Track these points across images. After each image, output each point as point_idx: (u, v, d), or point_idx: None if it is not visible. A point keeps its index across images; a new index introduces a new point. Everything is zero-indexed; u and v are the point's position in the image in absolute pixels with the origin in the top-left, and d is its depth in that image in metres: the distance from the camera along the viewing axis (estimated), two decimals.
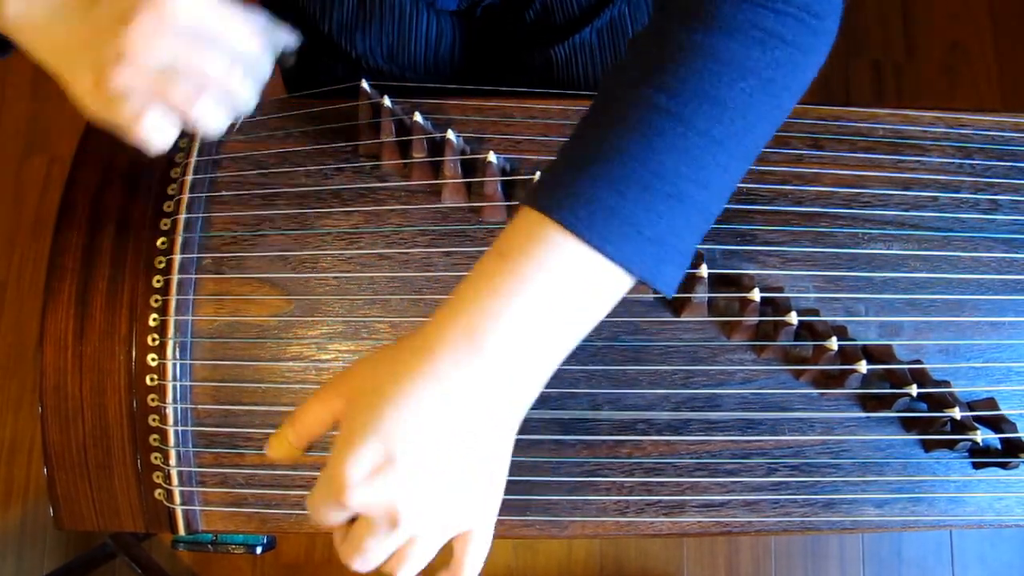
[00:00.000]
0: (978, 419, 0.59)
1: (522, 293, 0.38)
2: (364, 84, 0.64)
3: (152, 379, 0.61)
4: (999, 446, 0.60)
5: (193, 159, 0.64)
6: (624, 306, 0.61)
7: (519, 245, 0.38)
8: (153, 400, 0.61)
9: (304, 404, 0.42)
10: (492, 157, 0.61)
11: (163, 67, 0.42)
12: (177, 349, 0.61)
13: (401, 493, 0.37)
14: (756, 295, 0.58)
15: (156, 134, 0.45)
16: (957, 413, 0.57)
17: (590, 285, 0.40)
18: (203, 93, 0.44)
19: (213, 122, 0.46)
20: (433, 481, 0.37)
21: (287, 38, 0.49)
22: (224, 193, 0.64)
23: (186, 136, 0.65)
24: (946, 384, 0.60)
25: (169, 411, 0.60)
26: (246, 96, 0.47)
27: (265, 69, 0.48)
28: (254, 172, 0.65)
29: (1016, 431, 0.59)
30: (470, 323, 0.38)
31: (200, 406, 0.61)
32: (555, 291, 0.39)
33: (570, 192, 0.38)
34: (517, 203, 0.62)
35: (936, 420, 0.58)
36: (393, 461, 0.37)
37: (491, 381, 0.38)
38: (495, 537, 0.42)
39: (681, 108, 0.39)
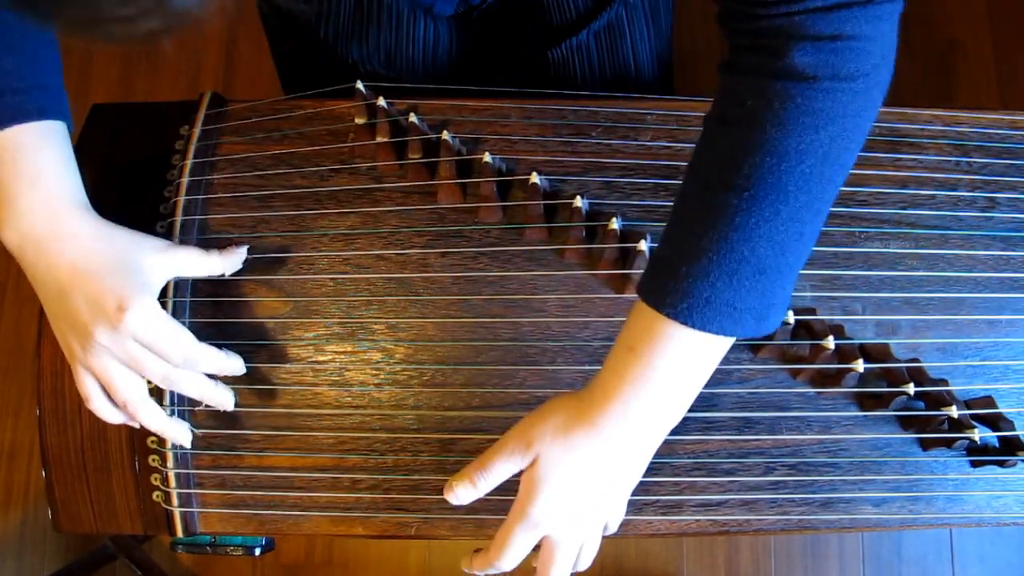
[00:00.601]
0: (976, 417, 0.59)
1: (652, 378, 0.49)
2: (359, 85, 0.64)
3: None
4: (997, 444, 0.60)
5: (189, 161, 0.64)
6: (618, 307, 0.61)
7: (643, 339, 0.49)
8: None
9: (492, 459, 0.52)
10: (488, 158, 0.61)
11: (115, 368, 0.54)
12: None
13: (573, 520, 0.52)
14: None
15: (105, 414, 0.57)
16: (955, 411, 0.57)
17: (704, 353, 0.49)
18: (142, 398, 0.56)
19: (149, 421, 0.57)
20: (590, 511, 0.52)
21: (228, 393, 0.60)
22: (221, 195, 0.64)
23: (182, 138, 0.65)
24: (943, 382, 0.60)
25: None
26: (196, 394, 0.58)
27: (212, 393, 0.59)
28: (250, 174, 0.65)
29: (1014, 429, 0.59)
30: (623, 409, 0.49)
31: (197, 408, 0.61)
32: (677, 367, 0.49)
33: (672, 289, 0.47)
34: (514, 203, 0.62)
35: (934, 419, 0.58)
36: (569, 502, 0.51)
37: (641, 444, 0.51)
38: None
39: (748, 203, 0.46)
